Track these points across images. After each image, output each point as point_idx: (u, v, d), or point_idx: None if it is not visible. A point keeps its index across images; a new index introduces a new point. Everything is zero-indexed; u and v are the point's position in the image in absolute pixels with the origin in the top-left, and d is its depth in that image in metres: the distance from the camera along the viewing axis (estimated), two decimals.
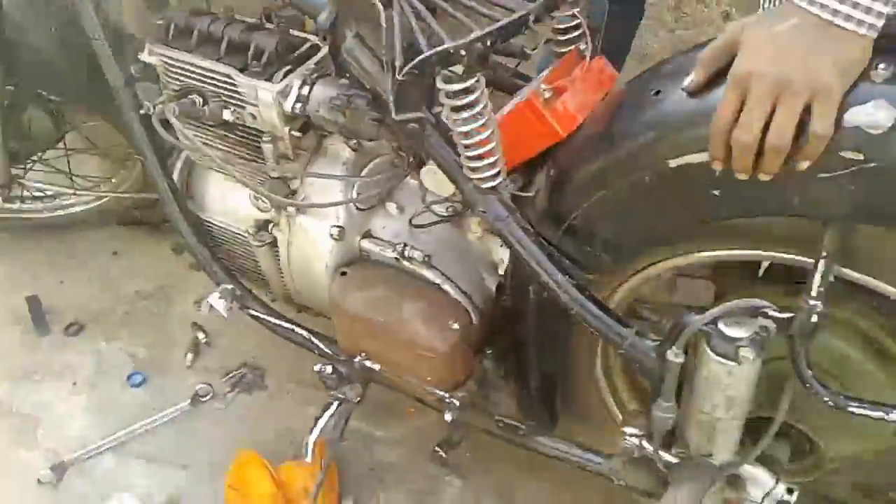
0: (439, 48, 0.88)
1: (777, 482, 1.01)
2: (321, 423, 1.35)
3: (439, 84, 0.95)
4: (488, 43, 0.89)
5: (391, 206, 1.36)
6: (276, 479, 1.50)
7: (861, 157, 0.79)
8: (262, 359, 1.80)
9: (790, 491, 1.01)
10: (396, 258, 1.31)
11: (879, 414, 0.91)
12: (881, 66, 0.78)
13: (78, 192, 2.07)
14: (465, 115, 0.98)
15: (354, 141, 1.31)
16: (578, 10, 1.05)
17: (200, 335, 1.85)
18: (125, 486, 1.57)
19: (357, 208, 1.34)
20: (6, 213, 2.08)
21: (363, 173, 1.34)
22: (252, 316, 1.41)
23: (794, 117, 0.78)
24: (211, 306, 1.36)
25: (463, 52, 0.88)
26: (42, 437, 1.70)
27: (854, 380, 1.01)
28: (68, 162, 2.01)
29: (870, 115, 0.77)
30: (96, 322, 1.93)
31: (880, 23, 0.76)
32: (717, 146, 0.84)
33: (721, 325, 0.90)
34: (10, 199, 2.05)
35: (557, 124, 1.02)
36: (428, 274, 1.29)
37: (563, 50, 1.10)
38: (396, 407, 1.63)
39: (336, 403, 1.36)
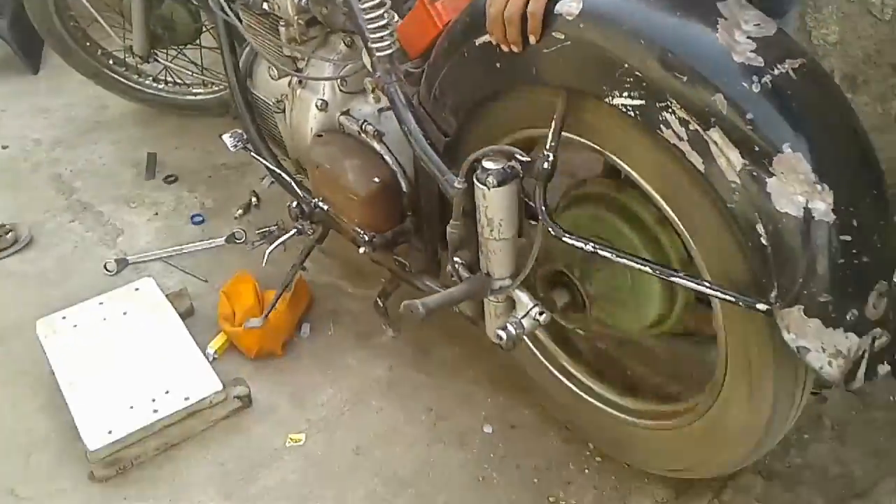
0: None
1: (535, 305, 1.30)
2: (279, 241, 1.77)
3: None
4: None
5: (369, 95, 1.75)
6: (259, 296, 1.94)
7: (562, 36, 1.09)
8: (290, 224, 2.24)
9: (541, 313, 1.30)
10: (358, 131, 1.69)
11: (587, 247, 1.18)
12: None
13: (205, 83, 2.64)
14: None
15: (349, 38, 1.72)
16: None
17: (254, 200, 2.33)
18: (162, 282, 2.06)
19: (341, 90, 1.74)
20: (151, 90, 2.69)
21: (350, 65, 1.74)
22: (253, 157, 1.86)
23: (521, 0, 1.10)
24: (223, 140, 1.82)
25: None
26: (120, 242, 2.25)
27: (617, 242, 1.27)
28: (201, 56, 2.57)
29: (565, 4, 1.07)
30: (187, 177, 2.48)
31: None
32: (490, 24, 1.16)
33: (484, 162, 1.22)
34: (156, 80, 2.68)
35: (437, 18, 1.37)
36: (375, 145, 1.66)
37: None
38: (372, 275, 2.01)
39: (294, 231, 1.77)
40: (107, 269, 2.14)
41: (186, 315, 1.95)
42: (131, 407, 1.68)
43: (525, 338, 1.49)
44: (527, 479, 1.58)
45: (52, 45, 2.60)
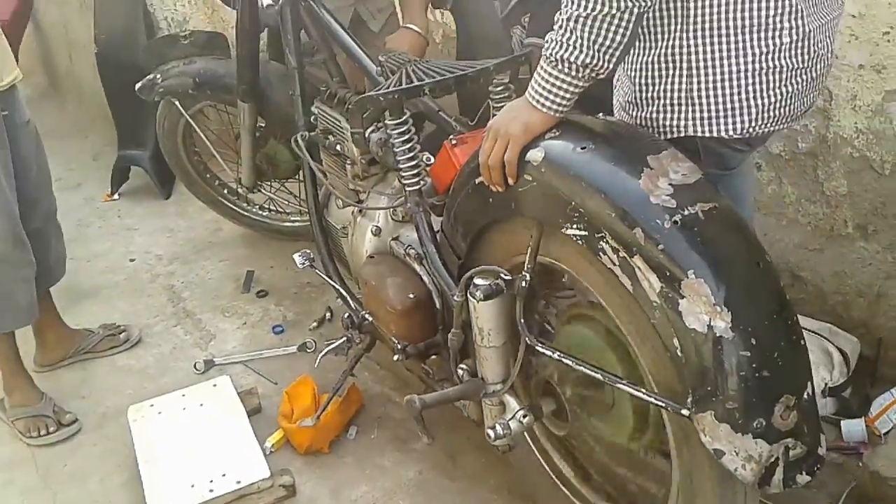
0: (364, 94, 1.60)
1: (521, 409, 1.48)
2: (329, 347, 2.03)
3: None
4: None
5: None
6: (316, 398, 2.19)
7: (531, 178, 1.33)
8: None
9: (525, 416, 1.47)
10: (403, 254, 1.97)
11: (553, 355, 1.37)
12: (553, 131, 1.33)
13: (301, 212, 3.03)
14: (399, 140, 1.67)
15: None
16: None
17: (328, 315, 2.63)
18: (238, 381, 2.36)
19: (393, 219, 2.04)
20: (256, 216, 3.11)
21: (401, 198, 2.04)
22: (317, 273, 2.16)
23: (499, 151, 1.35)
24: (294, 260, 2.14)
25: (381, 99, 1.59)
26: (211, 346, 2.59)
27: (599, 359, 1.45)
28: (299, 189, 2.97)
29: (533, 153, 1.32)
30: (276, 293, 2.83)
31: (556, 110, 1.30)
32: (481, 169, 1.42)
33: (476, 279, 1.45)
34: (261, 208, 3.10)
35: (455, 160, 1.65)
36: (416, 266, 1.93)
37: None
38: (419, 386, 2.22)
39: (344, 339, 2.04)
40: (196, 369, 2.47)
41: (254, 412, 2.22)
42: (192, 485, 1.95)
43: (531, 444, 1.67)
44: None
45: (179, 176, 3.09)
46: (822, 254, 2.17)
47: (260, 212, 3.11)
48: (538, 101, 1.31)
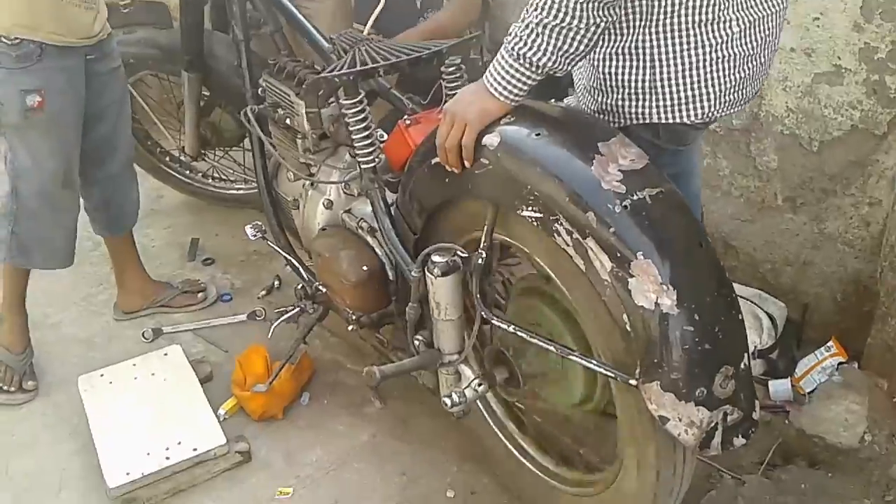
0: (325, 74, 1.62)
1: (475, 378, 1.56)
2: (282, 318, 2.07)
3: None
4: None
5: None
6: (268, 366, 2.23)
7: (487, 162, 1.39)
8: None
9: (480, 385, 1.55)
10: (356, 227, 2.01)
11: (508, 328, 1.45)
12: (508, 117, 1.38)
13: (245, 180, 3.03)
14: (354, 119, 1.70)
15: (354, 150, 2.05)
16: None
17: (276, 283, 2.66)
18: (188, 350, 2.38)
19: (345, 192, 2.07)
20: (200, 184, 3.09)
21: (353, 172, 2.07)
22: (269, 245, 2.19)
23: (456, 135, 1.40)
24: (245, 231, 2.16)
25: (336, 80, 1.61)
26: (158, 315, 2.58)
27: (549, 329, 1.53)
28: (244, 157, 2.96)
29: (489, 138, 1.38)
30: (222, 261, 2.84)
31: (512, 99, 1.36)
32: (438, 151, 1.47)
33: (433, 256, 1.51)
34: (204, 176, 3.08)
35: (410, 140, 1.69)
36: (368, 239, 1.97)
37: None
38: (369, 354, 2.28)
39: (297, 309, 2.08)
40: (144, 337, 2.47)
41: (206, 380, 2.25)
42: (148, 453, 1.98)
43: (483, 410, 1.75)
44: None
45: None
46: (754, 224, 2.30)
47: (203, 179, 3.09)
48: (496, 89, 1.36)
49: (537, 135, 1.35)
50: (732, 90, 1.43)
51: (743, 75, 1.43)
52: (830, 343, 2.08)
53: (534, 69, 1.31)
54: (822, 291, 2.22)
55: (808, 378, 2.04)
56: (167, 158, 3.04)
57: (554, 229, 1.31)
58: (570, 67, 1.33)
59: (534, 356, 1.59)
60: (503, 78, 1.35)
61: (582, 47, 1.29)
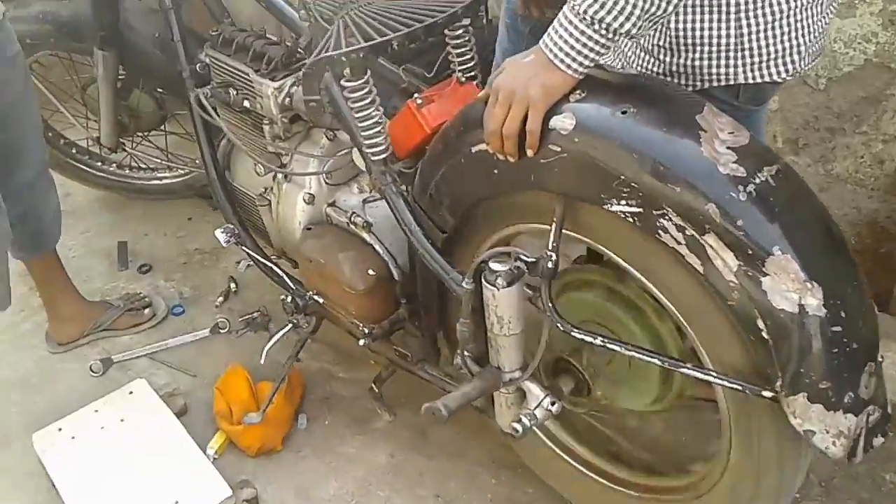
0: (325, 54, 1.34)
1: (546, 396, 1.36)
2: (275, 337, 1.80)
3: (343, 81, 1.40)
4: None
5: (353, 186, 1.80)
6: (252, 390, 1.95)
7: (559, 149, 1.16)
8: (273, 311, 2.24)
9: (553, 403, 1.35)
10: (347, 222, 1.74)
11: (596, 341, 1.25)
12: (577, 92, 1.15)
13: (170, 167, 2.66)
14: (358, 103, 1.42)
15: (331, 132, 1.77)
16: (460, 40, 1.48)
17: (233, 286, 2.35)
18: (148, 379, 2.06)
19: (326, 183, 1.79)
20: (116, 176, 2.69)
21: (335, 158, 1.79)
22: (244, 251, 1.89)
23: (518, 117, 1.17)
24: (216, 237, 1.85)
25: (344, 59, 1.33)
26: (102, 341, 2.23)
27: (615, 328, 1.34)
28: (166, 142, 2.59)
29: (559, 120, 1.15)
30: (161, 266, 2.49)
31: (581, 71, 1.13)
32: (488, 137, 1.23)
33: (491, 263, 1.27)
34: (121, 167, 2.69)
35: (423, 123, 1.43)
36: (365, 236, 1.71)
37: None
38: (362, 358, 2.03)
39: (290, 326, 1.80)
40: (92, 371, 2.12)
41: (181, 414, 1.95)
42: None
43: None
44: None
45: None
46: None
47: (120, 171, 2.70)
48: (562, 61, 1.13)
49: (623, 112, 1.13)
50: (819, 39, 1.28)
51: (828, 20, 1.28)
52: None
53: (611, 35, 1.09)
54: None
55: None
56: (74, 151, 2.63)
57: (659, 225, 1.10)
58: (649, 33, 1.12)
59: (599, 361, 1.40)
60: (572, 47, 1.12)
61: (671, 7, 1.07)
